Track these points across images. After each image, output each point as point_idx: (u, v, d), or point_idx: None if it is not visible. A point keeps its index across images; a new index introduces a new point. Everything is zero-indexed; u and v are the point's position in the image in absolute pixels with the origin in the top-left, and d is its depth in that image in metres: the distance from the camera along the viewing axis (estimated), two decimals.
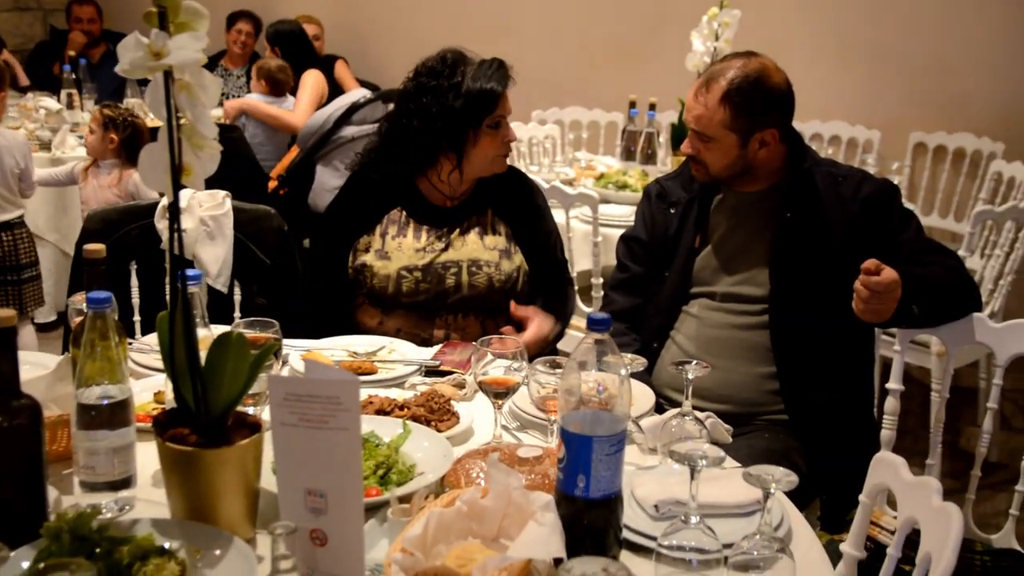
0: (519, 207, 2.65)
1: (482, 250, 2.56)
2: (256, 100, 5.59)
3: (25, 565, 1.26)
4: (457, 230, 2.57)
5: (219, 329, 1.88)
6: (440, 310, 2.54)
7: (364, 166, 2.65)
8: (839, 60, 5.20)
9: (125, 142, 4.24)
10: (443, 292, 2.52)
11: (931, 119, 5.09)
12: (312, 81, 5.67)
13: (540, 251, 2.64)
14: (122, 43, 1.35)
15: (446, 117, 2.47)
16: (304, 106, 5.53)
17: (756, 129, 2.35)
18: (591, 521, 1.42)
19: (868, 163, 5.01)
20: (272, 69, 5.62)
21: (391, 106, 4.58)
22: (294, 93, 5.78)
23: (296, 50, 5.86)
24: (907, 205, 2.49)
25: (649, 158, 4.51)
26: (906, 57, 5.04)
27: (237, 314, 2.84)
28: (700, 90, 2.38)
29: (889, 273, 2.08)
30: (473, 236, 2.57)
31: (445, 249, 2.54)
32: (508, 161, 2.62)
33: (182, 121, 1.38)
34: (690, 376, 1.80)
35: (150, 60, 1.30)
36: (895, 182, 2.73)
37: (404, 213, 2.58)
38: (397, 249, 2.53)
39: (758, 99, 2.34)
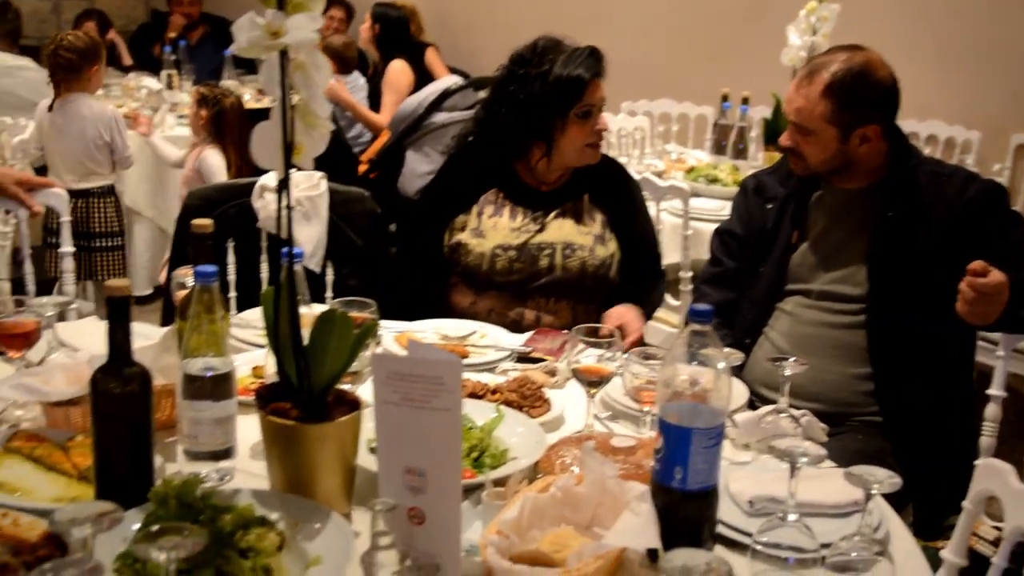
0: (615, 196, 2.65)
1: (576, 234, 2.56)
2: (339, 86, 5.64)
3: (134, 528, 1.30)
4: (553, 213, 2.58)
5: (315, 308, 1.92)
6: (532, 292, 2.55)
7: (461, 150, 2.68)
8: (939, 57, 5.06)
9: (211, 119, 4.35)
10: (536, 273, 2.53)
11: None
12: (394, 77, 5.70)
13: (634, 241, 2.63)
14: (238, 23, 1.37)
15: (533, 105, 2.48)
16: (388, 105, 5.58)
17: (858, 124, 2.30)
18: (687, 513, 1.41)
19: (967, 164, 4.88)
20: (338, 47, 5.71)
21: (482, 93, 4.63)
22: (360, 69, 5.84)
23: (394, 35, 5.90)
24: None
25: (740, 152, 4.46)
26: (1009, 56, 4.89)
27: (329, 294, 2.87)
28: (802, 82, 2.34)
29: (997, 275, 2.02)
30: (568, 220, 2.58)
31: (540, 231, 2.55)
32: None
33: (295, 100, 1.40)
34: (787, 373, 1.77)
35: (267, 39, 1.32)
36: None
37: (501, 194, 2.60)
38: (492, 228, 2.56)
39: (861, 94, 2.30)
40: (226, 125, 4.33)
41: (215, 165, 4.30)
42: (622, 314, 2.45)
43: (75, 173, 4.35)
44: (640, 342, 2.40)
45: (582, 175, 2.61)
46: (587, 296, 2.57)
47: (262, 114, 4.77)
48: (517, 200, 2.60)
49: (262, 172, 3.00)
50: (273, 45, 1.34)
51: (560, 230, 2.56)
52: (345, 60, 5.71)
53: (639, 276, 2.63)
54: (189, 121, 4.54)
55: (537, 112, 2.48)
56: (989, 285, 2.01)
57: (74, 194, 4.24)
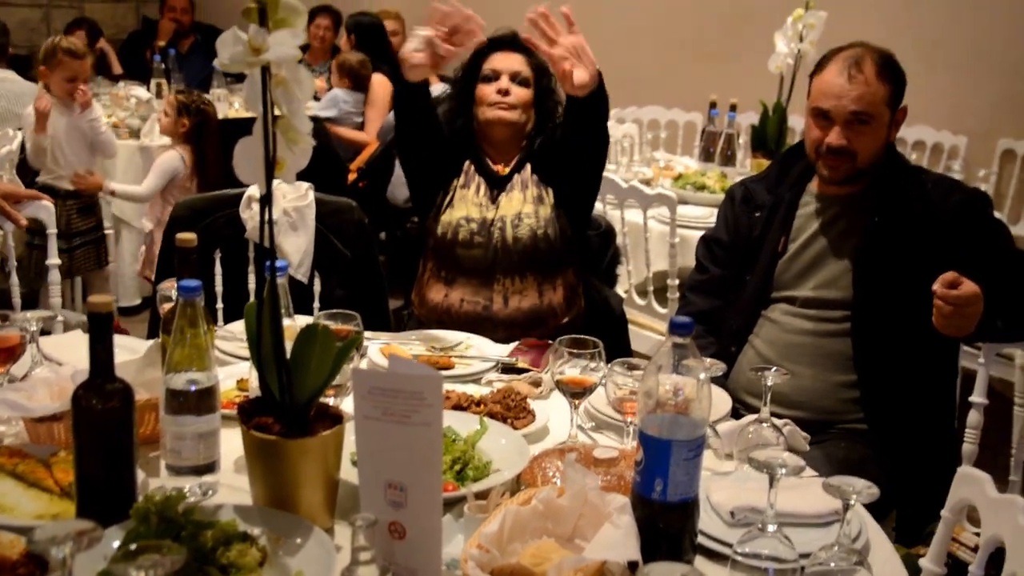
0: (550, 152, 2.73)
1: (522, 203, 2.68)
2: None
3: (115, 544, 1.30)
4: (504, 191, 2.70)
5: (301, 319, 1.92)
6: (496, 274, 2.64)
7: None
8: (925, 63, 5.05)
9: (194, 128, 4.45)
10: (492, 247, 2.63)
11: (1020, 125, 4.95)
12: (374, 94, 5.70)
13: (570, 195, 2.71)
14: (221, 38, 1.38)
15: (459, 78, 2.78)
16: (374, 122, 5.58)
17: (898, 104, 2.37)
18: (667, 525, 1.41)
19: (954, 170, 4.89)
20: (354, 64, 5.73)
21: None
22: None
23: (371, 43, 5.92)
24: (996, 214, 2.44)
25: (728, 160, 4.48)
26: (995, 61, 4.91)
27: (316, 305, 2.88)
28: (851, 72, 2.30)
29: (969, 287, 2.02)
30: (516, 193, 2.70)
31: (496, 208, 2.68)
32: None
33: (277, 114, 1.41)
34: (769, 383, 1.77)
35: (249, 56, 1.33)
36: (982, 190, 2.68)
37: (472, 167, 2.75)
38: (461, 199, 2.70)
39: (900, 73, 2.37)
40: (205, 132, 4.47)
41: (167, 165, 4.43)
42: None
43: None
44: None
45: (529, 151, 2.75)
46: (548, 267, 2.66)
47: (250, 123, 4.78)
48: (482, 175, 2.74)
49: (230, 180, 3.00)
50: (255, 61, 1.35)
51: (510, 204, 2.68)
52: (360, 78, 5.74)
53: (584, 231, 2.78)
54: (161, 124, 4.61)
55: (460, 86, 2.75)
56: (961, 297, 2.00)
57: None
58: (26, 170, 4.50)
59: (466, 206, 2.67)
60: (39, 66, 4.34)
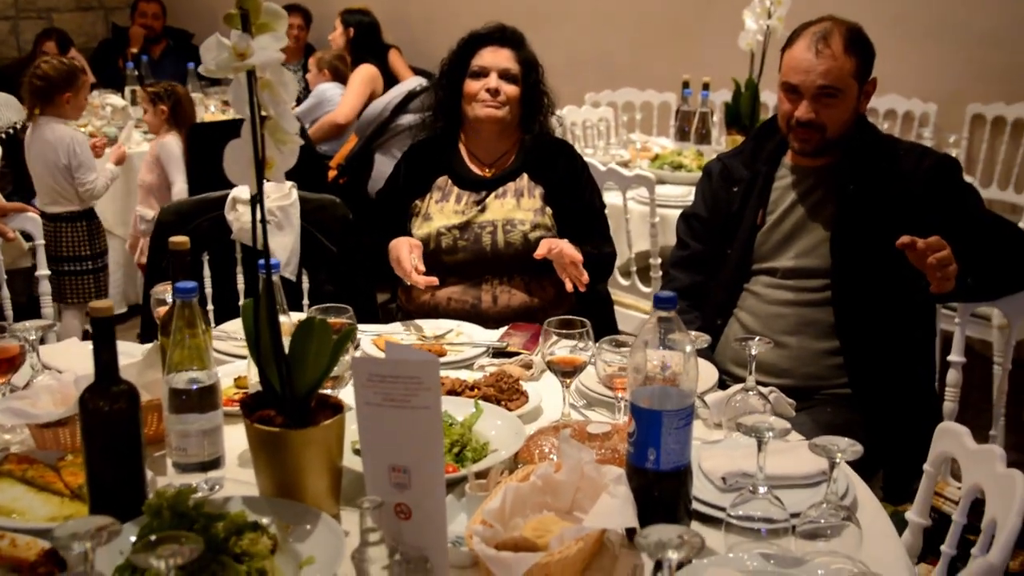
0: (555, 169, 2.77)
1: (517, 210, 2.70)
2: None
3: (131, 540, 1.34)
4: (493, 194, 2.72)
5: (292, 316, 1.96)
6: (485, 273, 2.66)
7: (415, 143, 2.91)
8: (892, 33, 5.12)
9: (172, 110, 4.67)
10: (481, 250, 2.66)
11: (989, 90, 5.02)
12: (361, 76, 5.70)
13: (574, 211, 2.75)
14: (204, 45, 1.42)
15: (444, 75, 2.78)
16: (349, 101, 5.57)
17: (866, 77, 2.41)
18: (662, 492, 1.47)
19: (925, 136, 4.97)
20: (333, 60, 5.78)
21: None
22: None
23: (367, 39, 5.93)
24: (966, 178, 2.49)
25: (703, 138, 4.53)
26: (962, 28, 4.98)
27: (306, 301, 2.92)
28: (818, 47, 2.35)
29: (939, 243, 2.09)
30: (509, 199, 2.72)
31: (482, 211, 2.70)
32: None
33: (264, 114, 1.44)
34: (753, 352, 1.83)
35: (235, 61, 1.37)
36: (953, 155, 2.74)
37: (449, 181, 2.76)
38: (439, 212, 2.71)
39: (868, 46, 2.41)
40: (182, 113, 4.68)
41: (175, 150, 4.59)
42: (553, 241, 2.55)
43: (45, 197, 4.35)
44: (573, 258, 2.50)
45: (524, 157, 2.76)
46: (537, 271, 2.65)
47: (226, 126, 4.84)
48: (463, 186, 2.75)
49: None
50: (241, 66, 1.38)
51: (501, 209, 2.70)
52: (339, 71, 5.81)
53: (585, 243, 2.70)
54: (147, 121, 4.80)
55: (447, 80, 2.75)
56: (947, 257, 2.08)
57: (44, 217, 4.25)
58: (4, 184, 4.50)
59: (445, 216, 2.69)
60: (65, 93, 4.31)
